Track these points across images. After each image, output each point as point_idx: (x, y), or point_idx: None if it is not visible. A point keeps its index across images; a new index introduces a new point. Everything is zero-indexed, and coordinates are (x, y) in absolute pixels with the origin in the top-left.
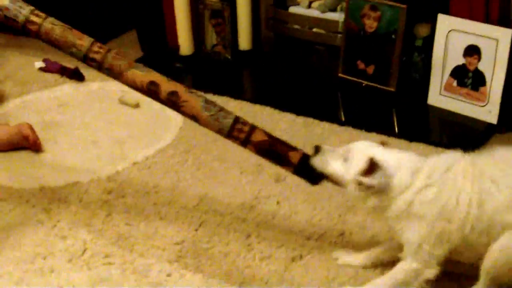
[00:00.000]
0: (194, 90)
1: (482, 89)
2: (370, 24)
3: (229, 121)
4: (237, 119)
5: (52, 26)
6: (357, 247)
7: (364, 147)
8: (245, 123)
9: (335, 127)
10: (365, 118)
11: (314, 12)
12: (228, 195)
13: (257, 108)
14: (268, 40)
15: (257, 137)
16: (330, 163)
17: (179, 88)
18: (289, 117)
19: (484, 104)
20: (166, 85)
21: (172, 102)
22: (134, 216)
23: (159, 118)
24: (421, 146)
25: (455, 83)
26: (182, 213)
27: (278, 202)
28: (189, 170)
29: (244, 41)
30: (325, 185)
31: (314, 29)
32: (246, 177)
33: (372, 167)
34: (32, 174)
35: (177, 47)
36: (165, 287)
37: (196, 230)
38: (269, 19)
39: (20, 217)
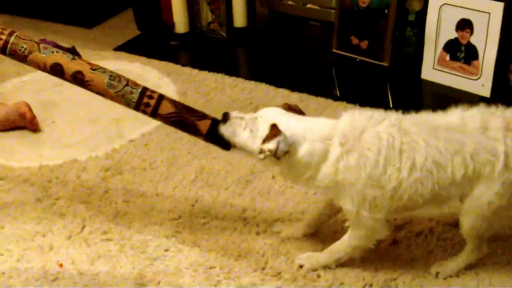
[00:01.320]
0: (99, 66)
1: (474, 62)
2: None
3: (134, 96)
4: (143, 93)
5: None
6: None
7: (269, 115)
8: (151, 96)
9: (330, 102)
10: (360, 92)
11: None
12: (224, 171)
13: (252, 84)
14: (263, 17)
15: (164, 109)
16: (237, 132)
17: (84, 67)
18: (284, 92)
19: (477, 77)
20: (70, 65)
21: (79, 81)
22: (131, 192)
23: None
24: None
25: (448, 57)
26: (178, 189)
27: (273, 177)
28: (185, 146)
29: (239, 19)
30: None
31: (308, 5)
32: (239, 154)
33: (273, 134)
34: (30, 153)
35: (172, 25)
36: (163, 262)
37: (193, 205)
38: None
39: (19, 195)
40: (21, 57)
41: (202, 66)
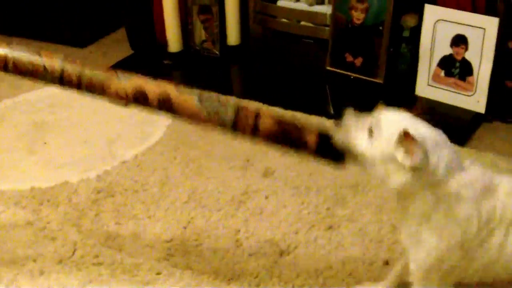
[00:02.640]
0: (185, 88)
1: (469, 78)
2: (358, 16)
3: (230, 115)
4: (238, 111)
5: (19, 54)
6: (346, 239)
7: (395, 118)
8: (248, 111)
9: (323, 120)
10: (354, 110)
11: (302, 5)
12: (217, 191)
13: (245, 103)
14: (257, 34)
15: (265, 125)
16: (355, 137)
17: (170, 89)
18: (277, 111)
19: (472, 93)
20: (155, 90)
21: (165, 106)
22: (123, 215)
23: (148, 115)
24: None
25: (442, 73)
26: (171, 210)
27: (266, 197)
28: (178, 167)
29: (233, 36)
30: (313, 178)
31: (302, 22)
32: (235, 172)
33: (410, 144)
34: (22, 175)
35: (166, 44)
36: (155, 286)
37: (185, 227)
38: (257, 13)
39: (10, 218)
40: (100, 90)
41: (195, 84)
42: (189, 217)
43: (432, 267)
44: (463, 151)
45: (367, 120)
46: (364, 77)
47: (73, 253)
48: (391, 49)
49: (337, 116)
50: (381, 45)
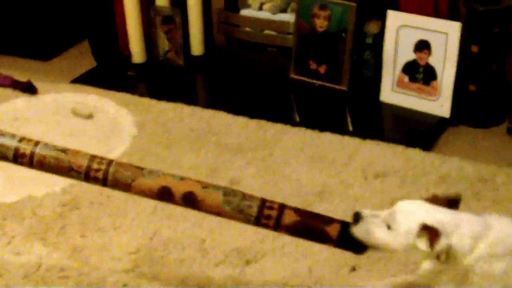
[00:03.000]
0: (210, 184)
1: (433, 83)
2: (321, 24)
3: (254, 210)
4: (262, 205)
5: (45, 153)
6: (313, 246)
7: (409, 209)
8: (271, 206)
9: (289, 128)
10: (319, 118)
11: (265, 14)
12: None
13: (211, 112)
14: (220, 44)
15: (288, 219)
16: (374, 232)
17: (194, 186)
18: (242, 120)
19: (436, 98)
20: (179, 187)
21: (190, 203)
22: (89, 227)
23: (113, 128)
24: (375, 143)
25: (406, 79)
26: (137, 222)
27: None
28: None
29: (196, 46)
30: (278, 187)
31: (266, 31)
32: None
33: (433, 234)
34: None
35: (129, 55)
36: None
37: (151, 238)
38: (220, 23)
39: None
40: (125, 186)
41: (160, 96)
42: (155, 228)
43: None
44: (429, 156)
45: (383, 214)
46: (329, 84)
47: (39, 267)
48: (355, 56)
49: (301, 124)
50: (345, 52)
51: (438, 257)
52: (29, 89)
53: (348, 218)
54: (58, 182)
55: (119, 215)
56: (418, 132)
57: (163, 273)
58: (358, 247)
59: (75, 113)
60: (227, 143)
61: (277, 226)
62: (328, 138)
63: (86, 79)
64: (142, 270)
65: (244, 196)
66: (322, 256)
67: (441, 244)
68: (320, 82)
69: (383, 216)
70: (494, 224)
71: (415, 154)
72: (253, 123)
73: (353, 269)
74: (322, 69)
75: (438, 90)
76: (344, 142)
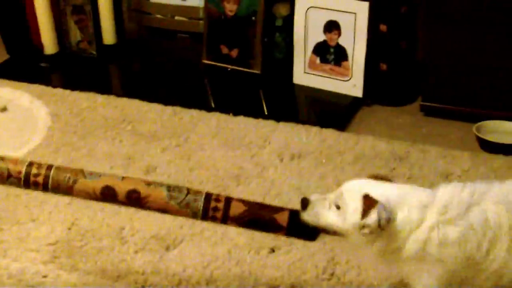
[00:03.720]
0: (153, 181)
1: (344, 63)
2: (230, 8)
3: (199, 203)
4: (208, 198)
5: None
6: (232, 230)
7: (356, 187)
8: (218, 199)
9: (203, 113)
10: (233, 102)
11: (175, 0)
12: None
13: (125, 101)
14: (132, 32)
15: (236, 210)
16: (323, 214)
17: (138, 184)
18: (157, 107)
19: (348, 78)
20: (122, 185)
21: (134, 201)
22: (6, 220)
23: (28, 119)
24: (289, 125)
25: (318, 60)
26: (54, 213)
27: None
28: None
29: (108, 35)
30: (194, 173)
31: (176, 17)
32: (117, 170)
33: (369, 205)
34: None
35: (42, 46)
36: None
37: (69, 228)
38: (131, 10)
39: None
40: (66, 189)
41: (73, 86)
42: (73, 218)
43: (443, 283)
44: (344, 136)
45: (331, 196)
46: (241, 68)
47: None
48: (266, 39)
49: (216, 109)
50: (255, 36)
51: (363, 227)
52: None
53: (268, 201)
54: None
55: (36, 206)
56: (332, 112)
57: (82, 262)
58: (309, 233)
59: None
60: (142, 131)
61: (226, 218)
62: (243, 122)
63: None
64: (61, 261)
65: (189, 191)
66: (241, 239)
67: (374, 215)
68: (233, 66)
69: (331, 198)
70: (440, 192)
71: (330, 134)
72: (168, 110)
73: (272, 250)
74: (234, 53)
75: (349, 70)
76: (259, 125)
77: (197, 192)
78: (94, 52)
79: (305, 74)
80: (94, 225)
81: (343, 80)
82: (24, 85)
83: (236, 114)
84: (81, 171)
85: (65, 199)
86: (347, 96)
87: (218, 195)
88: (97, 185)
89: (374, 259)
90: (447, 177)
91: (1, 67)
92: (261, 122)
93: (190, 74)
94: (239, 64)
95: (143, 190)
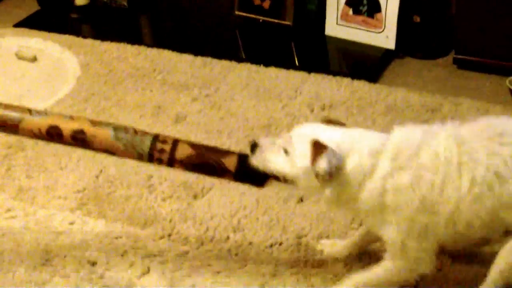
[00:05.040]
0: (99, 121)
1: (377, 15)
2: None
3: (146, 144)
4: (155, 140)
5: None
6: None
7: (305, 132)
8: (165, 141)
9: (234, 64)
10: (264, 53)
11: None
12: None
13: (155, 51)
14: None
15: (182, 152)
16: (271, 159)
17: (83, 123)
18: (188, 58)
19: (381, 30)
20: (68, 124)
21: (80, 141)
22: (34, 168)
23: (57, 69)
24: (321, 77)
25: (350, 12)
26: (82, 161)
27: None
28: (90, 116)
29: None
30: (224, 122)
31: None
32: (146, 120)
33: (318, 151)
34: None
35: None
36: (69, 235)
37: (97, 176)
38: None
39: None
40: (12, 127)
41: (104, 37)
42: (101, 166)
43: (406, 237)
44: (375, 87)
45: (280, 141)
46: (273, 20)
47: None
48: None
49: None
50: None
51: (317, 175)
52: None
53: None
54: None
55: (64, 155)
56: (363, 64)
57: (109, 210)
58: (257, 179)
59: (19, 56)
60: (172, 81)
61: (172, 160)
62: (274, 73)
63: (30, 23)
64: (88, 208)
65: (136, 132)
66: (269, 189)
67: (323, 160)
68: (265, 17)
69: (280, 142)
70: (393, 136)
71: (361, 86)
72: (199, 60)
73: (301, 200)
74: (266, 5)
75: (382, 22)
76: (290, 77)
77: (145, 133)
78: (125, 3)
79: (337, 25)
80: (122, 173)
81: (375, 32)
82: (55, 35)
83: (267, 65)
84: (28, 110)
85: None
86: (379, 48)
87: (165, 137)
88: (43, 124)
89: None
90: None
91: (32, 18)
92: (292, 73)
93: (222, 26)
94: (271, 16)
95: (89, 130)
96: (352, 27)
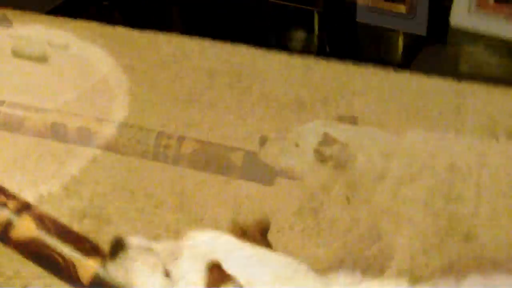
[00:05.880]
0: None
1: (408, 0)
2: None
3: (152, 140)
4: (160, 136)
5: None
6: None
7: (316, 128)
8: (170, 136)
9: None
10: (293, 40)
11: None
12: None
13: (186, 39)
14: None
15: (188, 148)
16: (282, 153)
17: (89, 121)
18: (217, 45)
19: (412, 16)
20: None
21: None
22: None
23: (89, 57)
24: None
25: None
26: None
27: (211, 129)
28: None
29: None
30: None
31: None
32: (177, 107)
33: (328, 142)
34: None
35: None
36: None
37: None
38: None
39: None
40: (17, 125)
41: (134, 24)
42: None
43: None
44: (406, 74)
45: (290, 135)
46: (302, 6)
47: None
48: None
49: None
50: None
51: (324, 160)
52: (3, 21)
53: None
54: None
55: None
56: (394, 51)
57: None
58: (265, 175)
59: (51, 44)
60: (203, 67)
61: (177, 156)
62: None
63: (61, 10)
64: None
65: (140, 128)
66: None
67: (332, 149)
68: (294, 4)
69: (290, 137)
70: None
71: (392, 72)
72: (228, 47)
73: None
74: None
75: (414, 8)
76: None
77: (149, 130)
78: None
79: (368, 12)
80: None
81: (407, 18)
82: (85, 23)
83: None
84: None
85: None
86: (410, 34)
87: (171, 134)
88: (48, 120)
89: None
90: None
91: (63, 5)
92: (322, 61)
93: (252, 11)
94: (299, 2)
95: (93, 127)
96: (384, 14)
